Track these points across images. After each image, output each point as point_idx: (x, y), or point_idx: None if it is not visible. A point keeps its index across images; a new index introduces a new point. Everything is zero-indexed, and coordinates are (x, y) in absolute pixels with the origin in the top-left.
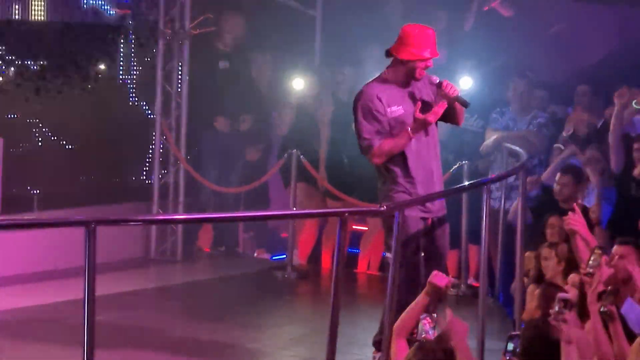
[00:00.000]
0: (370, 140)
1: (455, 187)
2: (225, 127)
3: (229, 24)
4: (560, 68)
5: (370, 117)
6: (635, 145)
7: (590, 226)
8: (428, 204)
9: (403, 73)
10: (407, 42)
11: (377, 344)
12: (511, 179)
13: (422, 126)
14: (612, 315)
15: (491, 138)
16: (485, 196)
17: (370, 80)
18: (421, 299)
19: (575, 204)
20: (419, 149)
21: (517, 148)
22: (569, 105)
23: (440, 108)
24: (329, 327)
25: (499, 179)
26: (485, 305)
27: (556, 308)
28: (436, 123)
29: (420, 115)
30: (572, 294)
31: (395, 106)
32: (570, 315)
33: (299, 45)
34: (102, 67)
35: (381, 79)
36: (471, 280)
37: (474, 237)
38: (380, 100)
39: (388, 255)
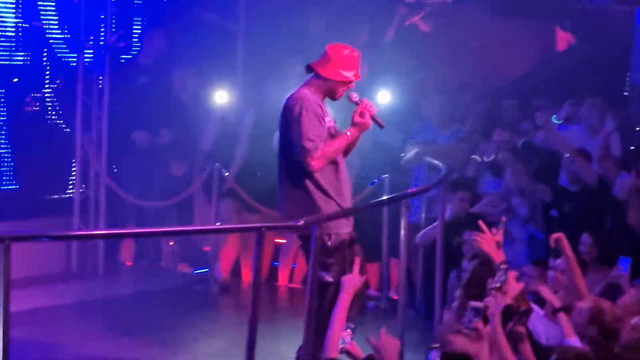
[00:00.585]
0: (316, 143)
1: (375, 201)
2: (144, 141)
3: (149, 38)
4: (482, 83)
5: (316, 121)
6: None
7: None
8: (350, 219)
9: (323, 90)
10: (333, 61)
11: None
12: (432, 192)
13: (361, 130)
14: (521, 336)
15: (412, 152)
16: (403, 210)
17: (300, 88)
18: (342, 303)
19: (480, 221)
20: (342, 164)
21: (437, 162)
22: (490, 120)
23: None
24: (247, 341)
25: (418, 192)
26: (406, 317)
27: (467, 317)
28: None
29: (359, 119)
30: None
31: (328, 117)
32: (481, 324)
33: (221, 60)
34: None
35: (309, 89)
36: (392, 294)
37: (395, 250)
38: (319, 107)
39: (324, 274)
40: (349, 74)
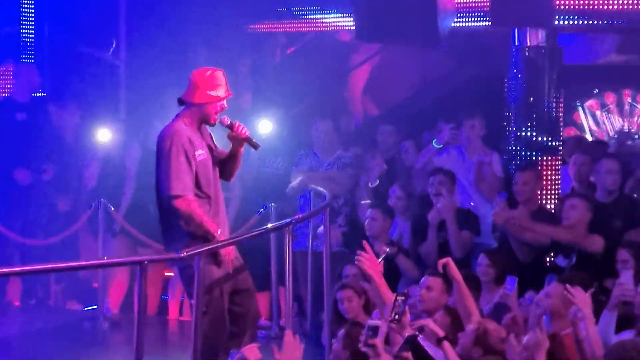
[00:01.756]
0: (184, 190)
1: (260, 229)
2: (26, 178)
3: (25, 75)
4: (364, 109)
5: (185, 160)
6: (430, 179)
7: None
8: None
9: (198, 118)
10: (199, 86)
11: None
12: (318, 220)
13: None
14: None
15: (296, 180)
16: (287, 237)
17: (173, 121)
18: None
19: (364, 242)
20: (217, 194)
21: (322, 189)
22: (372, 145)
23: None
24: None
25: (302, 219)
26: None
27: (364, 335)
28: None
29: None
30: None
31: (200, 150)
32: (378, 341)
33: (103, 93)
34: None
35: (182, 122)
36: (282, 322)
37: (283, 278)
38: (191, 143)
39: (192, 302)
40: (217, 93)
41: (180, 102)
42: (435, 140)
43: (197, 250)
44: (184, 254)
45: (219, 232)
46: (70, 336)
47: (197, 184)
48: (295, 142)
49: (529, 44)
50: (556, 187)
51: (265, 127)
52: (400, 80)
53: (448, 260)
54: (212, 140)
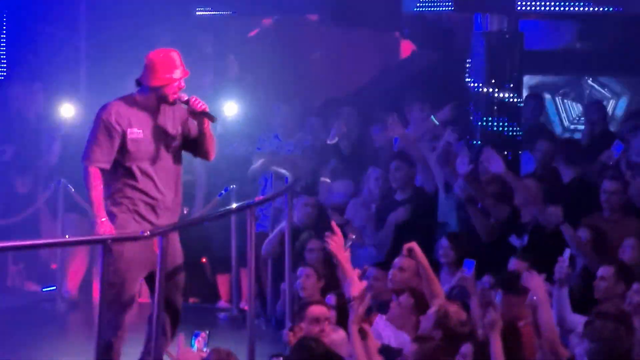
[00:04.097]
0: (91, 161)
1: (222, 210)
2: None
3: None
4: (325, 92)
5: (105, 134)
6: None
7: None
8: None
9: (154, 99)
10: (154, 69)
11: None
12: (279, 202)
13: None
14: (365, 333)
15: (258, 162)
16: (249, 219)
17: (120, 97)
18: None
19: (333, 222)
20: (163, 175)
21: (284, 171)
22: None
23: None
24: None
25: (264, 201)
26: (256, 328)
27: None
28: (179, 153)
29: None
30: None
31: (137, 129)
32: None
33: (64, 73)
34: None
35: (131, 99)
36: (243, 304)
37: (244, 260)
38: (120, 122)
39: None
40: (173, 75)
41: (138, 83)
42: (434, 115)
43: (160, 230)
44: (147, 233)
45: (103, 220)
46: (28, 317)
47: (126, 160)
48: (258, 124)
49: (490, 29)
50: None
51: (230, 109)
52: (362, 64)
53: (413, 244)
54: (179, 121)
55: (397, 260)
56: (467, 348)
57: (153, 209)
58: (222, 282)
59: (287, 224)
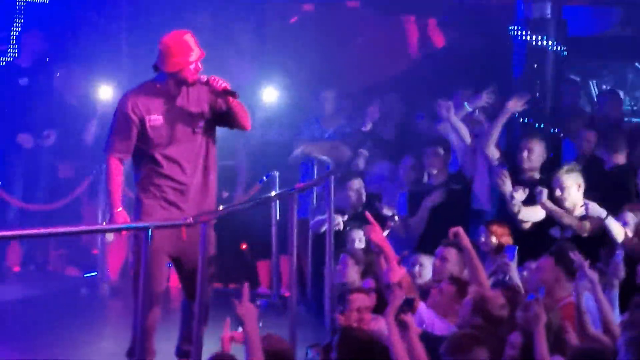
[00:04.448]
0: (113, 150)
1: (264, 196)
2: (28, 143)
3: (28, 40)
4: (367, 79)
5: (123, 124)
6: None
7: None
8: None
9: (173, 83)
10: (169, 54)
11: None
12: (320, 189)
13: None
14: (406, 324)
15: (299, 148)
16: (293, 205)
17: (140, 84)
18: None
19: (367, 212)
20: (189, 158)
21: (325, 157)
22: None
23: None
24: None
25: (306, 187)
26: (297, 314)
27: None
28: (209, 133)
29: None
30: None
31: (156, 115)
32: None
33: (106, 59)
34: None
35: (149, 86)
36: (283, 290)
37: (284, 247)
38: (137, 111)
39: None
40: (188, 58)
41: (156, 68)
42: (467, 102)
43: (203, 217)
44: (190, 219)
45: (118, 210)
46: (69, 302)
47: (149, 147)
48: (299, 111)
49: (533, 16)
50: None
51: (270, 95)
52: (402, 50)
53: (459, 229)
54: (204, 100)
55: (439, 250)
56: (515, 337)
57: (182, 193)
58: (262, 268)
59: (328, 210)
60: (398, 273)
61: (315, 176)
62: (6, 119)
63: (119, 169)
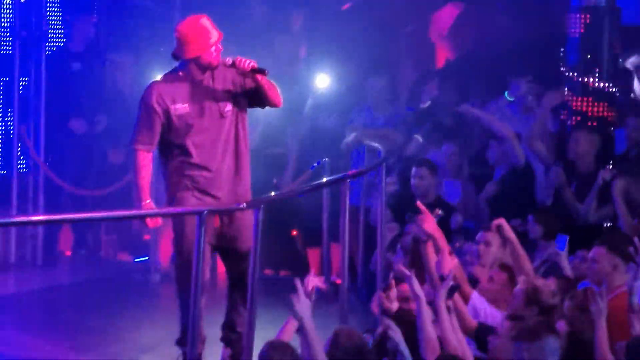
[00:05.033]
0: (137, 142)
1: (315, 183)
2: (80, 128)
3: (78, 25)
4: (418, 66)
5: (146, 116)
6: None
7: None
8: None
9: (196, 69)
10: (187, 41)
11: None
12: (371, 176)
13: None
14: (448, 309)
15: (351, 135)
16: (344, 192)
17: (165, 73)
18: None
19: (418, 202)
20: (219, 145)
21: (376, 144)
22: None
23: None
24: (189, 327)
25: (357, 174)
26: (348, 302)
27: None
28: (239, 116)
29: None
30: None
31: (181, 104)
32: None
33: (158, 45)
34: None
35: (173, 75)
36: (333, 278)
37: (335, 234)
38: (162, 101)
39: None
40: (207, 42)
41: (176, 57)
42: (507, 92)
43: (258, 201)
44: (243, 205)
45: (147, 201)
46: (120, 287)
47: (177, 137)
48: (350, 97)
49: (586, 4)
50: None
51: (322, 81)
52: (456, 38)
53: (501, 221)
54: (230, 82)
55: (480, 235)
56: (561, 326)
57: (213, 181)
58: (313, 255)
59: (380, 198)
60: (450, 263)
61: (366, 163)
62: (58, 104)
63: (147, 160)
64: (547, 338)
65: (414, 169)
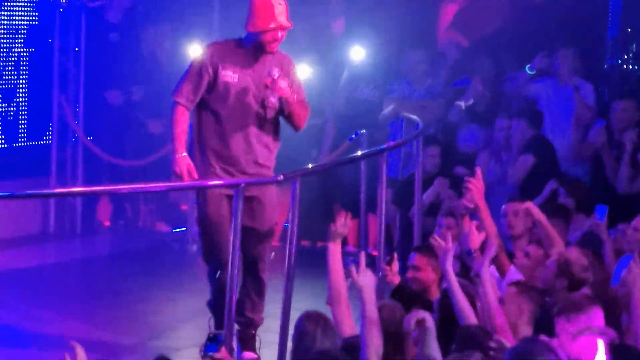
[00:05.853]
0: (180, 95)
1: (353, 155)
2: (117, 99)
3: None
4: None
5: (196, 71)
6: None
7: None
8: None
9: (253, 44)
10: (252, 14)
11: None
12: (409, 147)
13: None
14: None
15: (389, 107)
16: (382, 164)
17: (229, 38)
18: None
19: (477, 168)
20: (241, 123)
21: (414, 116)
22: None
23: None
24: (227, 296)
25: (395, 146)
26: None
27: None
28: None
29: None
30: None
31: (230, 71)
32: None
33: (196, 15)
34: None
35: (235, 42)
36: (370, 249)
37: (373, 206)
38: (214, 61)
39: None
40: (269, 25)
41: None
42: (528, 66)
43: (294, 174)
44: (280, 177)
45: (183, 154)
46: (159, 258)
47: (216, 102)
48: (387, 69)
49: None
50: None
51: (357, 53)
52: (494, 10)
53: (529, 205)
54: (284, 74)
55: (507, 207)
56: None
57: (238, 159)
58: (350, 227)
59: (417, 170)
60: (478, 238)
61: (404, 135)
62: (95, 75)
63: (184, 116)
64: (592, 311)
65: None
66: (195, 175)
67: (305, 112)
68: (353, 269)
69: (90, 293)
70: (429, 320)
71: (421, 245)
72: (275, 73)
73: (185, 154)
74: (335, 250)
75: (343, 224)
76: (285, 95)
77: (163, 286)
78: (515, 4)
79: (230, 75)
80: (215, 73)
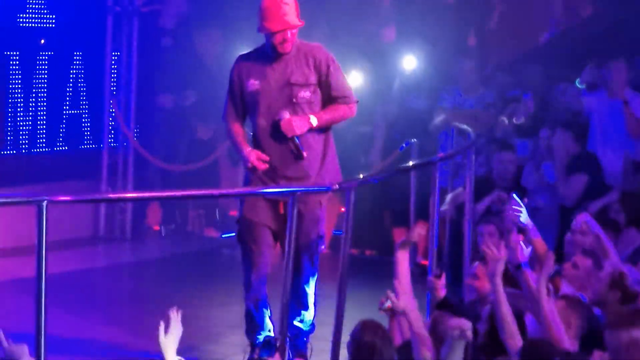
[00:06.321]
0: (226, 119)
1: (405, 165)
2: (168, 103)
3: (171, 2)
4: (508, 48)
5: (230, 91)
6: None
7: None
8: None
9: (268, 46)
10: (260, 17)
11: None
12: (458, 157)
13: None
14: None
15: (440, 117)
16: (434, 175)
17: (255, 47)
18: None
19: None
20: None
21: (465, 126)
22: (516, 85)
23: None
24: (281, 303)
25: (447, 157)
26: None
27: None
28: (313, 105)
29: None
30: None
31: (253, 80)
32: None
33: (246, 21)
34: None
35: (258, 49)
36: (420, 259)
37: (422, 215)
38: (240, 75)
39: None
40: (273, 25)
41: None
42: (578, 79)
43: (349, 183)
44: (335, 186)
45: (248, 150)
46: (208, 263)
47: (251, 114)
48: (438, 79)
49: None
50: None
51: (409, 63)
52: (544, 19)
53: (586, 217)
54: (312, 69)
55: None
56: None
57: (275, 170)
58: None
59: (469, 181)
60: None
61: (454, 145)
62: (148, 79)
63: (237, 127)
64: None
65: (501, 154)
66: (267, 158)
67: (340, 113)
68: (392, 295)
69: (138, 297)
70: (470, 332)
71: None
72: (285, 115)
73: (250, 149)
74: (403, 258)
75: (418, 233)
76: (298, 132)
77: (213, 291)
78: (565, 15)
79: (254, 84)
80: (242, 86)
